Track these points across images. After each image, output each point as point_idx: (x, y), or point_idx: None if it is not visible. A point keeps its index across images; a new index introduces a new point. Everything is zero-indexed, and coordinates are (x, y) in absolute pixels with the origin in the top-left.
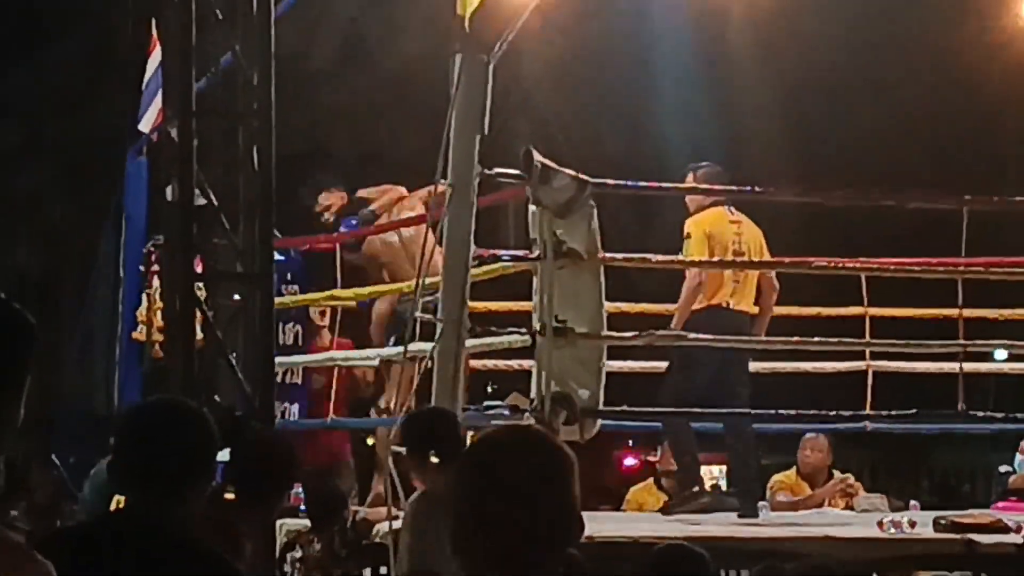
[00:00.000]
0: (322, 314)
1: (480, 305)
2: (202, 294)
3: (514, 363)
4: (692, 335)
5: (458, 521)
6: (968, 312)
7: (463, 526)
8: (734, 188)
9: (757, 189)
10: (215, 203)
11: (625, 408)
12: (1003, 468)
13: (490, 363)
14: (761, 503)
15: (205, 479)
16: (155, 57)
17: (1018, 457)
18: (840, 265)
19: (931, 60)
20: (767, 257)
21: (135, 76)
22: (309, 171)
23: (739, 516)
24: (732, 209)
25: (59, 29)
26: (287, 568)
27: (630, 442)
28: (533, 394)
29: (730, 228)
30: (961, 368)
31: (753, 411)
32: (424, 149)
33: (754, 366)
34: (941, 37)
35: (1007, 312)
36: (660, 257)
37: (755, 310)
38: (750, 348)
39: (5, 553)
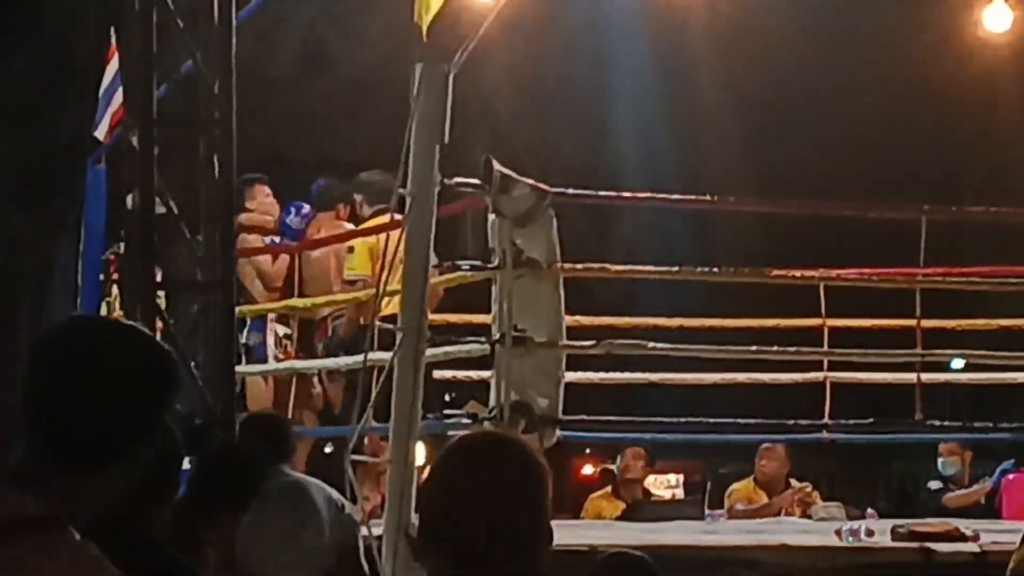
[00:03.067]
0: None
1: (438, 317)
2: (162, 302)
3: (473, 373)
4: (651, 344)
5: (428, 523)
6: (926, 323)
7: (433, 528)
8: (691, 198)
9: (715, 199)
10: (175, 211)
11: (583, 417)
12: (933, 485)
13: (448, 373)
14: (718, 511)
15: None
16: (112, 65)
17: (942, 460)
18: (798, 276)
19: (890, 69)
20: None
21: (94, 86)
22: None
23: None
24: None
25: (15, 39)
26: None
27: (587, 450)
28: (492, 403)
29: None
30: (919, 378)
31: (712, 420)
32: (383, 156)
33: (712, 376)
34: (900, 46)
35: (965, 323)
36: (619, 267)
37: None
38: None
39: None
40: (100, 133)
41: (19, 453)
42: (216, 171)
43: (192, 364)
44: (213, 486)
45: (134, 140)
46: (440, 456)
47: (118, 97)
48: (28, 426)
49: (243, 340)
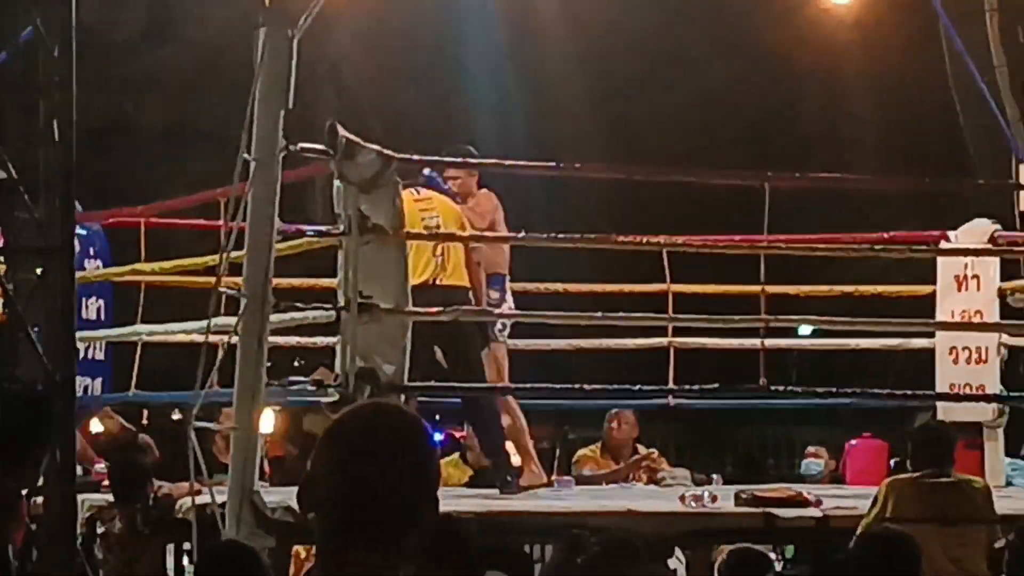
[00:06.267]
0: None
1: (284, 282)
2: (2, 268)
3: (320, 340)
4: (497, 310)
5: (314, 492)
6: (771, 289)
7: (320, 498)
8: (538, 164)
9: (562, 165)
10: (15, 176)
11: (432, 384)
12: None
13: (293, 339)
14: (566, 477)
15: None
16: None
17: (806, 462)
18: (644, 241)
19: (737, 39)
20: (468, 228)
21: None
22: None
23: (501, 492)
24: (418, 189)
25: None
26: (95, 546)
27: (437, 417)
28: (337, 369)
29: (416, 207)
30: (763, 343)
31: (556, 386)
32: (230, 121)
33: (558, 343)
34: (748, 15)
35: (808, 288)
36: (464, 233)
37: (468, 283)
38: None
39: None
40: None
41: None
42: (56, 136)
43: (33, 330)
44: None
45: None
46: (330, 424)
47: None
48: None
49: None
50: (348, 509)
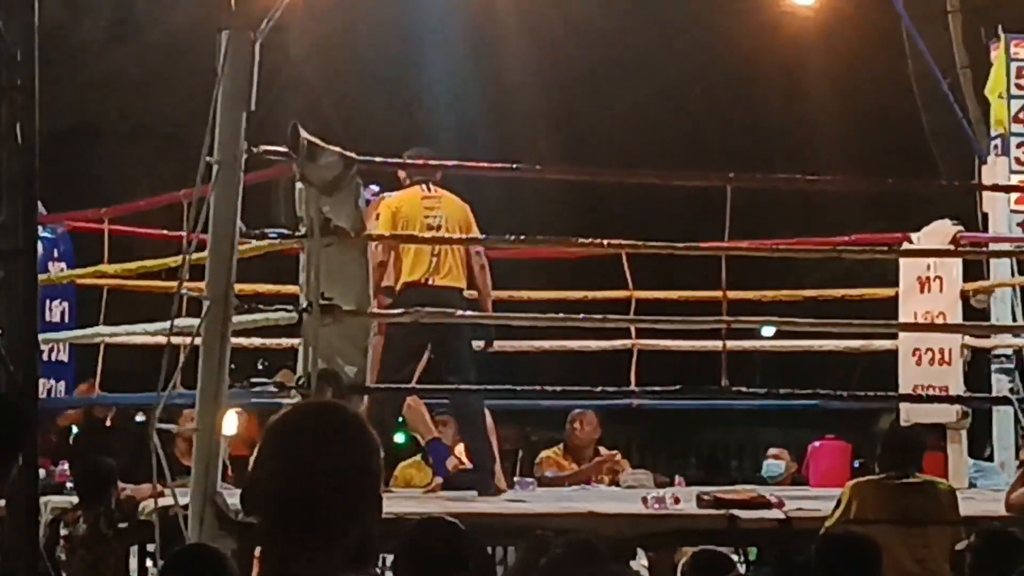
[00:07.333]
0: None
1: (248, 287)
2: None
3: (284, 341)
4: (459, 312)
5: (258, 491)
6: (732, 294)
7: (263, 497)
8: (498, 165)
9: (519, 167)
10: None
11: (396, 386)
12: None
13: (257, 341)
14: (528, 479)
15: None
16: None
17: (767, 463)
18: (604, 244)
19: (697, 39)
20: (473, 230)
21: None
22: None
23: (479, 494)
24: (429, 186)
25: None
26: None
27: (400, 419)
28: (299, 371)
29: (421, 205)
30: (724, 345)
31: (518, 388)
32: (193, 122)
33: (521, 344)
34: (708, 17)
35: (771, 293)
36: (426, 235)
37: (462, 285)
38: (469, 324)
39: None
40: None
41: None
42: (19, 138)
43: None
44: None
45: None
46: (271, 424)
47: None
48: None
49: None
50: (289, 509)
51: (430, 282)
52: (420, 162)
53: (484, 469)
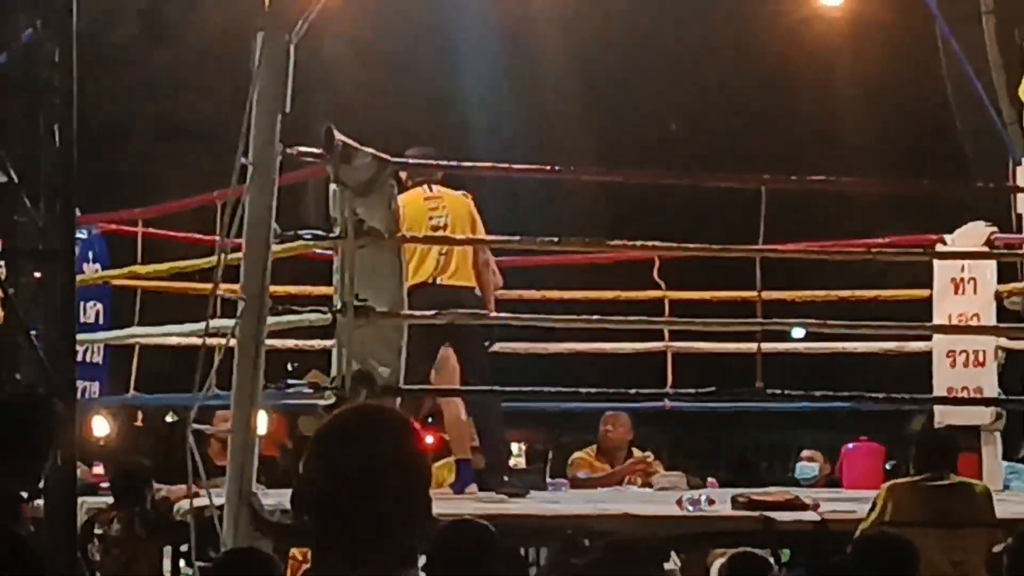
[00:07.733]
0: None
1: (281, 289)
2: (2, 272)
3: (315, 343)
4: (493, 314)
5: (306, 496)
6: (767, 294)
7: (312, 501)
8: (534, 167)
9: (556, 168)
10: (16, 180)
11: (425, 387)
12: None
13: (291, 342)
14: (561, 480)
15: None
16: None
17: (800, 465)
18: (637, 246)
19: (730, 40)
20: (479, 226)
21: None
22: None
23: (496, 492)
24: (430, 187)
25: None
26: (91, 547)
27: (429, 419)
28: (334, 372)
29: (425, 206)
30: (759, 347)
31: (553, 389)
32: (226, 125)
33: (555, 346)
34: (739, 17)
35: (805, 293)
36: (460, 236)
37: (472, 283)
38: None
39: None
40: None
41: None
42: (57, 140)
43: (32, 333)
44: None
45: None
46: (319, 430)
47: None
48: None
49: None
50: (340, 511)
51: (438, 282)
52: (455, 163)
53: (498, 468)
